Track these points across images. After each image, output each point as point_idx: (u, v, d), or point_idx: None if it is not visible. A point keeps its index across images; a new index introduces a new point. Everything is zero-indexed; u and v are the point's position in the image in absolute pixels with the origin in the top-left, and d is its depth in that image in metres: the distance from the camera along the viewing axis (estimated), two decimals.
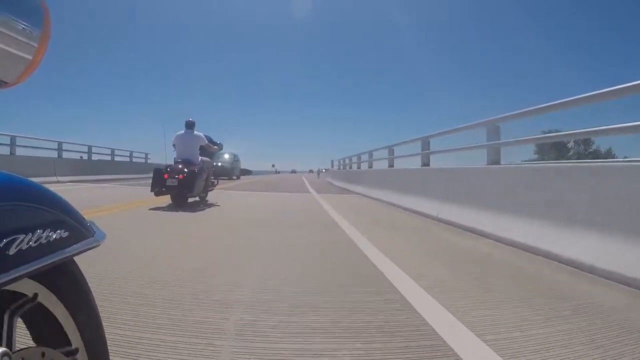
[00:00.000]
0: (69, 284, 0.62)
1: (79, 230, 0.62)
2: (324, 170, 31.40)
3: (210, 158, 7.52)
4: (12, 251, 0.51)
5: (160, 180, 6.30)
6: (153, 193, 6.38)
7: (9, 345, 0.52)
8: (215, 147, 7.59)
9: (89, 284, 0.67)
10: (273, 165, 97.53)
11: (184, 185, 6.26)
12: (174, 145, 6.98)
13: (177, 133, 6.95)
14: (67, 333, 0.61)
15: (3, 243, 0.50)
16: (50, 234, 0.56)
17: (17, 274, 0.51)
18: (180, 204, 6.43)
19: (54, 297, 0.59)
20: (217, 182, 8.20)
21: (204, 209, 6.36)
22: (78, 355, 0.61)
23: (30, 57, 0.59)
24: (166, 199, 6.72)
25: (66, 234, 0.59)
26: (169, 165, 6.54)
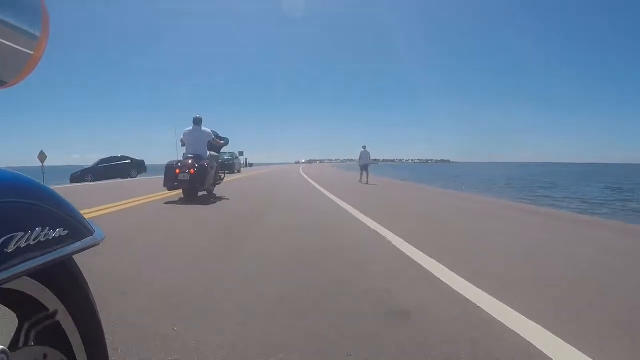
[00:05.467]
0: (68, 282, 0.62)
1: (79, 229, 0.61)
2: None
3: (217, 153, 7.72)
4: (10, 249, 0.50)
5: (172, 176, 6.51)
6: (166, 188, 6.63)
7: (7, 343, 0.52)
8: (222, 142, 7.72)
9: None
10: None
11: (195, 179, 6.46)
12: (182, 141, 7.14)
13: (186, 130, 7.11)
14: (66, 332, 0.61)
15: (2, 241, 0.49)
16: (49, 232, 0.55)
17: (15, 272, 0.50)
18: (191, 197, 6.62)
19: (52, 296, 0.59)
20: (224, 177, 8.33)
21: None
22: (77, 354, 0.61)
23: (29, 58, 0.59)
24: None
25: (65, 232, 0.58)
26: (180, 161, 6.70)
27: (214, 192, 7.49)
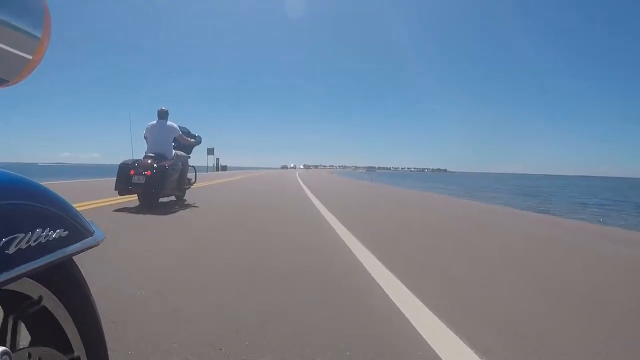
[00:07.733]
0: (68, 283, 0.62)
1: (78, 230, 0.62)
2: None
3: (187, 152, 6.78)
4: (11, 250, 0.51)
5: (125, 177, 5.56)
6: (117, 192, 5.68)
7: (8, 344, 0.52)
8: (192, 139, 6.81)
9: None
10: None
11: (152, 183, 5.53)
12: (145, 137, 6.20)
13: (148, 124, 6.20)
14: (66, 332, 0.61)
15: (2, 242, 0.49)
16: (49, 233, 0.56)
17: (16, 274, 0.50)
18: (148, 204, 5.71)
19: (53, 297, 0.59)
20: (195, 180, 7.32)
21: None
22: (77, 355, 0.61)
23: (30, 57, 0.59)
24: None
25: (65, 233, 0.58)
26: (137, 160, 5.76)
27: (183, 197, 6.58)
